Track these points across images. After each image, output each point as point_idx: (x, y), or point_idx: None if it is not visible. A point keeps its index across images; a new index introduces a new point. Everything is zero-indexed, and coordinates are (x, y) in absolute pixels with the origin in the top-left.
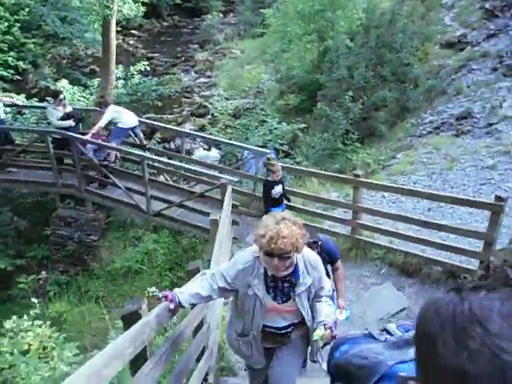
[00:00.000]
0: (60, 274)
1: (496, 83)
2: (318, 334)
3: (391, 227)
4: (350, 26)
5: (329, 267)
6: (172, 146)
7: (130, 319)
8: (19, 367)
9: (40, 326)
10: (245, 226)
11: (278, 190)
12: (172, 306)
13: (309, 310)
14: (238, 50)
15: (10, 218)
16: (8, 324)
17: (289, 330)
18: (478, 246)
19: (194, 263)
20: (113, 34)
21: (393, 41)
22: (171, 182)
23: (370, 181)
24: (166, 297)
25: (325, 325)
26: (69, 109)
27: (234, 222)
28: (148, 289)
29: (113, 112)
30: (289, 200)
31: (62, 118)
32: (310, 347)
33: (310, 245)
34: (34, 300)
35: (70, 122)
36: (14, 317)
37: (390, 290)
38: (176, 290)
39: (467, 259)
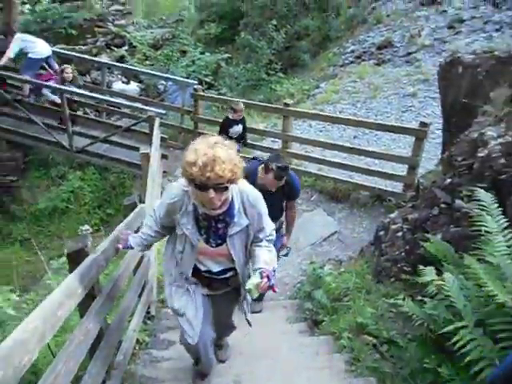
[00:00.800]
0: None
1: (414, 12)
2: (252, 282)
3: (320, 155)
4: None
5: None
6: (88, 79)
7: (77, 257)
8: None
9: None
10: (173, 160)
11: (236, 129)
12: (120, 246)
13: (241, 254)
14: None
15: None
16: None
17: (226, 275)
18: (402, 170)
19: (131, 198)
20: None
21: None
22: (93, 117)
23: (299, 110)
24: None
25: (261, 273)
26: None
27: (163, 156)
28: (80, 227)
29: (22, 41)
30: (245, 144)
31: None
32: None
33: (276, 170)
34: None
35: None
36: None
37: (320, 216)
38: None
39: (392, 183)
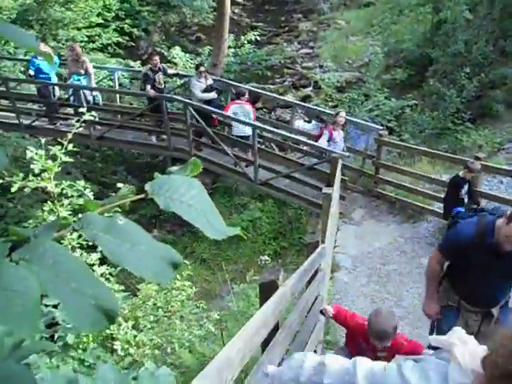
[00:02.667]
0: (167, 233)
1: None
2: None
3: None
4: None
5: None
6: (273, 115)
7: (268, 288)
8: (174, 324)
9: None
10: (351, 202)
11: (465, 188)
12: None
13: None
14: (342, 20)
15: (124, 176)
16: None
17: None
18: None
19: (313, 236)
20: (228, 2)
21: None
22: (278, 152)
23: (492, 164)
24: None
25: None
26: (210, 81)
27: (342, 197)
28: (261, 257)
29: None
30: (478, 204)
31: (205, 90)
32: None
33: None
34: None
35: (213, 95)
36: None
37: None
38: None
39: None
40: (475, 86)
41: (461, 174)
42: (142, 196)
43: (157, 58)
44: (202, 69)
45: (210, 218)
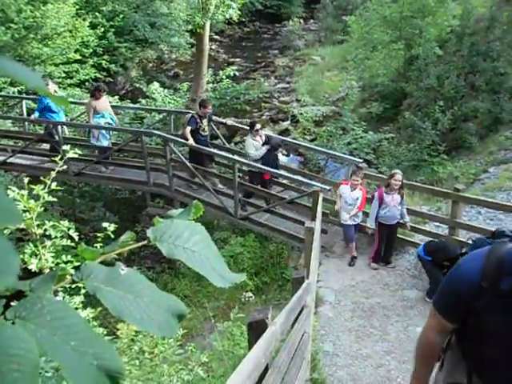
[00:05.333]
0: (147, 270)
1: None
2: None
3: None
4: (439, 33)
5: None
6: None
7: (257, 327)
8: (159, 368)
9: None
10: (332, 235)
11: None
12: None
13: None
14: (318, 56)
15: (103, 213)
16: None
17: None
18: None
19: (299, 272)
20: (206, 39)
21: (489, 49)
22: (257, 187)
23: (471, 196)
24: None
25: None
26: (263, 138)
27: (323, 231)
28: (244, 293)
29: None
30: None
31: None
32: None
33: None
34: None
35: (264, 150)
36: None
37: None
38: None
39: None
40: (449, 119)
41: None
42: (144, 243)
43: (210, 107)
44: (257, 126)
45: (214, 264)
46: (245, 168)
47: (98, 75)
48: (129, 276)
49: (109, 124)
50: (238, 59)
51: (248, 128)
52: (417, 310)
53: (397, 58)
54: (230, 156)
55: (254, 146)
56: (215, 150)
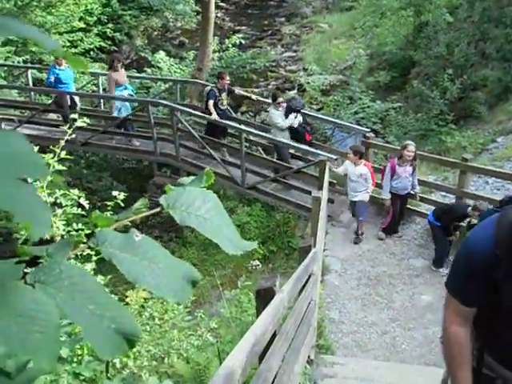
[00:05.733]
0: (155, 239)
1: None
2: None
3: None
4: None
5: None
6: (257, 119)
7: (265, 295)
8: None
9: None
10: (338, 205)
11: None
12: None
13: None
14: (325, 23)
15: (110, 182)
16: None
17: None
18: None
19: (306, 241)
20: (212, 6)
21: (502, 15)
22: (266, 156)
23: (479, 166)
24: None
25: None
26: (284, 108)
27: (330, 200)
28: (251, 262)
29: None
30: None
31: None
32: None
33: None
34: None
35: (292, 118)
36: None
37: None
38: None
39: None
40: (458, 88)
41: (468, 211)
42: (158, 210)
43: (228, 78)
44: (280, 100)
45: (226, 232)
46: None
47: (102, 44)
48: (143, 243)
49: (130, 96)
50: (243, 27)
51: (270, 101)
52: (422, 279)
53: (406, 25)
54: (237, 125)
55: (279, 116)
56: (230, 123)
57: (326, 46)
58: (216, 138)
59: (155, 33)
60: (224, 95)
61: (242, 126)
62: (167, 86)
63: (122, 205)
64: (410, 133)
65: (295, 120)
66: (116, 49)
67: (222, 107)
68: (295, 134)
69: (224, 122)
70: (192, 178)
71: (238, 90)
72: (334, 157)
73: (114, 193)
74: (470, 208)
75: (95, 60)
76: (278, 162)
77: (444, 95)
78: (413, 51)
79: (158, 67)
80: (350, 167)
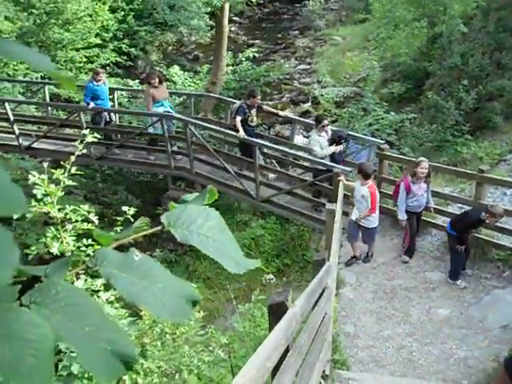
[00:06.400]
0: (169, 252)
1: None
2: None
3: None
4: (464, 9)
5: None
6: (272, 132)
7: (277, 310)
8: (181, 349)
9: None
10: None
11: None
12: None
13: None
14: (339, 36)
15: (125, 196)
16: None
17: None
18: None
19: (320, 254)
20: (226, 21)
21: None
22: (280, 169)
23: (496, 177)
24: None
25: None
26: (329, 133)
27: (344, 213)
28: (265, 275)
29: None
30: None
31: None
32: None
33: None
34: None
35: (335, 148)
36: None
37: None
38: None
39: None
40: (473, 98)
41: (483, 216)
42: (159, 229)
43: (259, 97)
44: (325, 122)
45: (229, 250)
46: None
47: (118, 59)
48: (143, 262)
49: (167, 112)
50: (257, 41)
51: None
52: (439, 292)
53: (419, 36)
54: (251, 139)
55: (320, 143)
56: (262, 141)
57: (340, 58)
58: (251, 156)
59: (170, 47)
60: (253, 112)
61: (258, 140)
62: (181, 99)
63: (132, 220)
64: (425, 144)
65: (337, 149)
66: (132, 64)
67: (252, 124)
68: (332, 161)
69: (250, 139)
70: (195, 194)
71: (265, 107)
72: (349, 169)
73: (124, 208)
74: (483, 213)
75: (111, 75)
76: (292, 175)
77: (459, 106)
78: (427, 62)
79: (173, 81)
80: (357, 185)
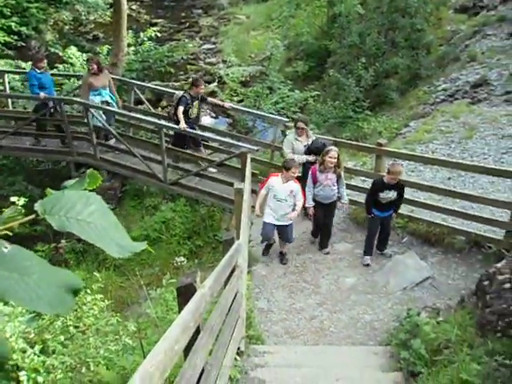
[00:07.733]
0: (77, 241)
1: None
2: None
3: (411, 196)
4: None
5: None
6: None
7: (185, 292)
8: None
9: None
10: None
11: (388, 195)
12: None
13: None
14: (243, 15)
15: (24, 186)
16: None
17: None
18: (500, 215)
19: (229, 233)
20: None
21: (407, 5)
22: (187, 150)
23: (393, 150)
24: None
25: None
26: (310, 140)
27: (253, 191)
28: (176, 258)
29: None
30: (396, 211)
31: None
32: None
33: None
34: None
35: (307, 157)
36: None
37: (412, 260)
38: None
39: (490, 229)
40: (371, 76)
41: (385, 179)
42: (32, 217)
43: (203, 86)
44: (300, 125)
45: (112, 235)
46: (171, 132)
47: (7, 39)
48: (13, 254)
49: (107, 104)
50: (160, 20)
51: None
52: (346, 262)
53: (320, 15)
54: (156, 121)
55: (293, 146)
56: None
57: (245, 37)
58: (184, 147)
59: (67, 27)
60: (196, 103)
61: (162, 122)
62: (81, 82)
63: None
64: (329, 120)
65: (309, 159)
66: (23, 44)
67: (192, 116)
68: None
69: (198, 132)
70: (74, 180)
71: (210, 99)
72: (255, 148)
73: (13, 199)
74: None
75: (1, 56)
76: (200, 156)
77: (359, 83)
78: (328, 41)
79: (70, 63)
80: (276, 184)
